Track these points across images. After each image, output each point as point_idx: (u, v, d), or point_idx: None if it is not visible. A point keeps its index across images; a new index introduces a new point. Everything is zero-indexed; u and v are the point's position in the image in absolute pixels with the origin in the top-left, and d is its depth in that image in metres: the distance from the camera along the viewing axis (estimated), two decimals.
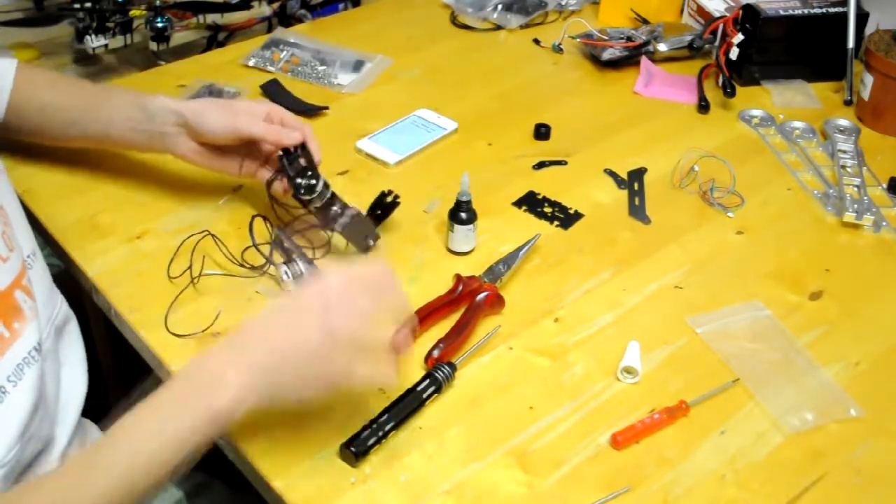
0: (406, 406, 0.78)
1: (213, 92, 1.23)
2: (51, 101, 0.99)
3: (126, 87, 1.01)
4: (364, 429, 0.75)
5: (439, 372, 0.80)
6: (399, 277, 0.76)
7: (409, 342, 0.74)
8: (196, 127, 0.94)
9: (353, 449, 0.74)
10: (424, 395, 0.79)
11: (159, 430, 0.66)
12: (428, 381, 0.80)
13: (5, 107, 0.97)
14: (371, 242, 0.95)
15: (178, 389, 0.68)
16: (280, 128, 0.94)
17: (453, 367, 0.82)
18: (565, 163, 1.14)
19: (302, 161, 0.93)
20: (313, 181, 0.92)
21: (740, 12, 1.31)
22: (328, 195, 0.93)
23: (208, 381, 0.68)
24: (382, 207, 0.97)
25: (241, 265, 0.93)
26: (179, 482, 0.92)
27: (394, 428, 0.76)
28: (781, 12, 1.29)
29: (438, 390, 0.80)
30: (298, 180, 0.92)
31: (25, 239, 0.84)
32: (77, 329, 0.90)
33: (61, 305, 0.88)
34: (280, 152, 0.93)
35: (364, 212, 0.96)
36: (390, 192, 0.96)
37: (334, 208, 0.93)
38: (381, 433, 0.75)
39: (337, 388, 0.71)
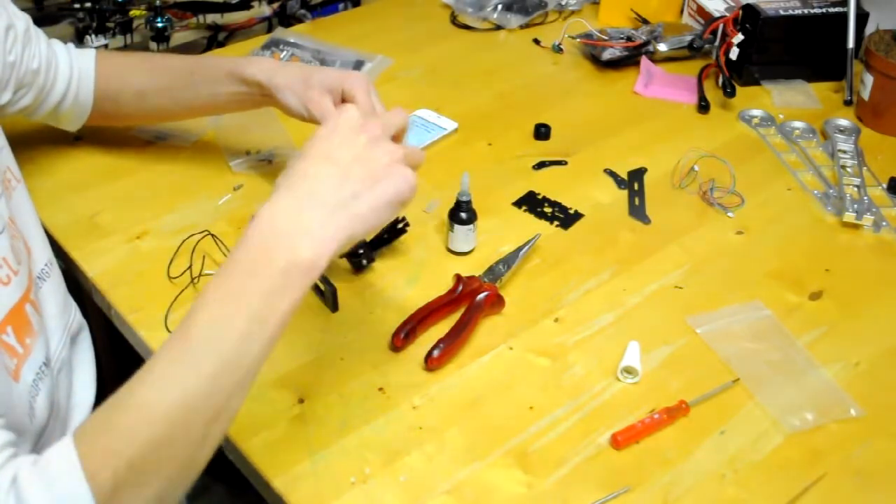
0: None
1: None
2: (147, 85, 1.02)
3: (215, 56, 1.01)
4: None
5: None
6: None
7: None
8: (279, 105, 0.96)
9: None
10: None
11: (246, 304, 0.61)
12: None
13: (93, 94, 1.00)
14: (365, 262, 0.94)
15: (253, 253, 0.63)
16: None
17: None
18: (565, 163, 1.14)
19: None
20: None
21: (740, 12, 1.31)
22: None
23: (282, 237, 0.63)
24: (391, 233, 0.96)
25: None
26: None
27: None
28: (781, 12, 1.29)
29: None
30: None
31: (41, 250, 0.83)
32: (89, 336, 0.90)
33: (76, 314, 0.88)
34: None
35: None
36: (403, 220, 0.95)
37: None
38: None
39: (386, 182, 0.67)
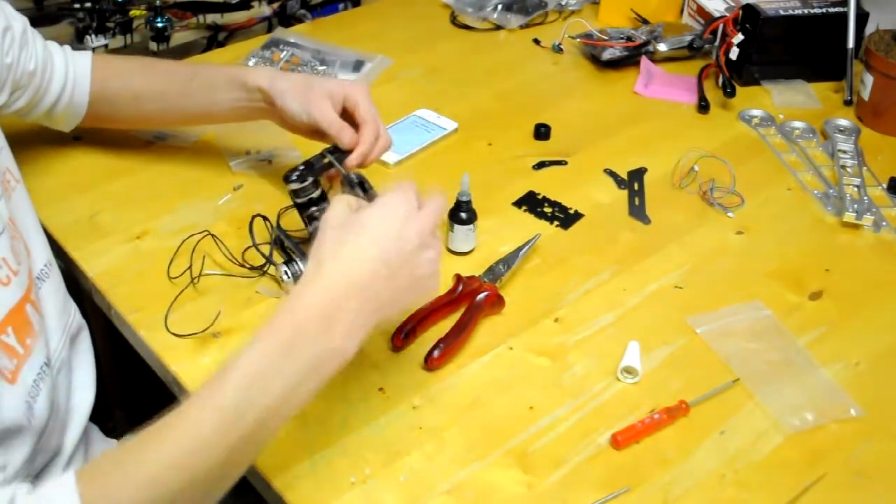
0: None
1: None
2: (143, 89, 1.02)
3: (215, 63, 1.01)
4: None
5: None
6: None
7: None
8: (280, 110, 0.95)
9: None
10: None
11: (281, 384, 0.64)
12: None
13: (88, 96, 1.00)
14: None
15: (289, 332, 0.64)
16: (341, 126, 0.92)
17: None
18: (565, 163, 1.14)
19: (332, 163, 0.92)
20: (305, 174, 0.90)
21: (740, 12, 1.31)
22: (315, 194, 0.92)
23: (321, 321, 0.65)
24: None
25: (241, 265, 0.93)
26: None
27: None
28: (781, 12, 1.29)
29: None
30: (294, 172, 0.90)
31: (41, 250, 0.83)
32: (88, 337, 0.90)
33: (75, 314, 0.88)
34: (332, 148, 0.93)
35: None
36: None
37: (314, 209, 0.92)
38: None
39: (421, 285, 0.71)
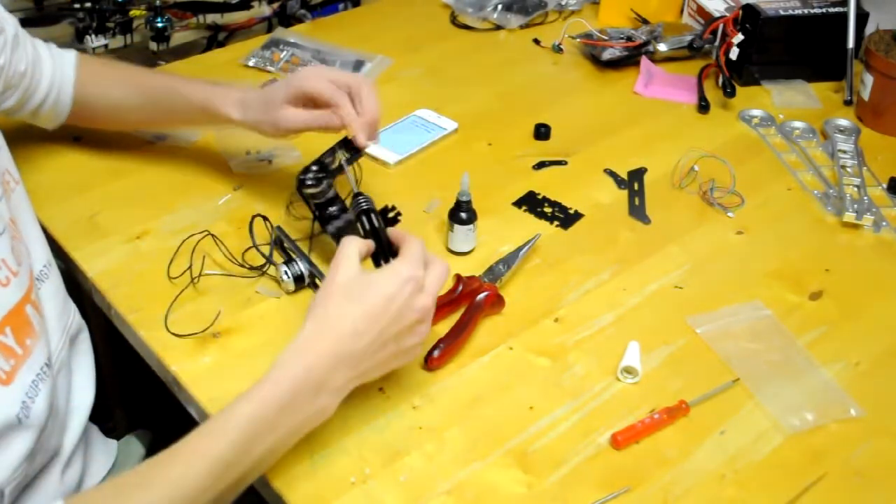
0: None
1: None
2: (123, 101, 1.04)
3: (194, 82, 1.01)
4: None
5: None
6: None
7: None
8: (258, 132, 0.97)
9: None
10: None
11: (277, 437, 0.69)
12: None
13: (71, 98, 1.02)
14: None
15: (287, 396, 0.69)
16: (319, 123, 0.93)
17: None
18: (565, 163, 1.14)
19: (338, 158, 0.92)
20: (321, 177, 0.91)
21: (740, 12, 1.31)
22: (330, 194, 0.93)
23: (313, 387, 0.70)
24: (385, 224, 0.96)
25: (241, 265, 0.93)
26: None
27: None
28: (781, 12, 1.29)
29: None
30: (308, 175, 0.91)
31: (39, 250, 0.83)
32: (88, 338, 0.90)
33: (74, 315, 0.87)
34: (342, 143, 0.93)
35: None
36: (393, 209, 0.95)
37: (332, 209, 0.93)
38: None
39: (409, 353, 0.77)
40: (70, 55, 1.02)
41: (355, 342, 0.71)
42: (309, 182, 0.90)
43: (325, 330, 0.71)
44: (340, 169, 0.92)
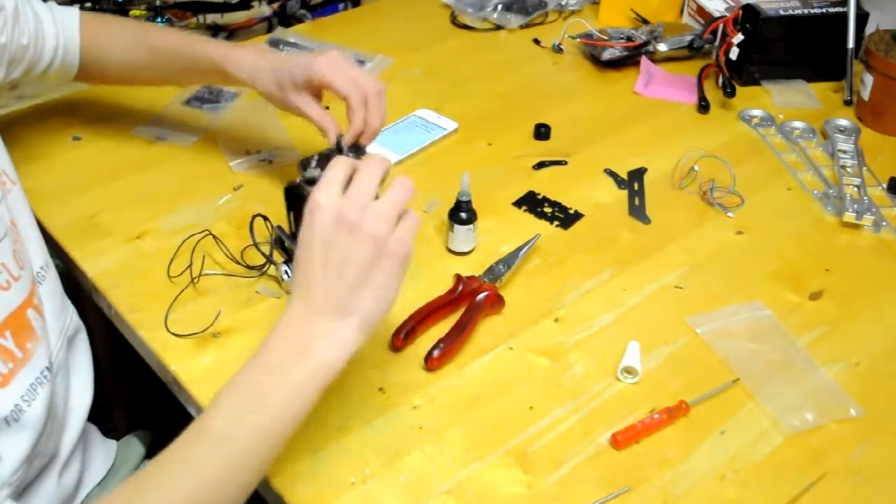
0: None
1: (211, 91, 1.23)
2: (130, 60, 1.04)
3: (204, 42, 1.01)
4: None
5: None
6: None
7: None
8: (261, 94, 0.98)
9: None
10: None
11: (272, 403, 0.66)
12: None
13: (78, 58, 1.02)
14: None
15: (275, 359, 0.66)
16: (327, 125, 0.94)
17: None
18: (565, 163, 1.14)
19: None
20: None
21: (740, 12, 1.31)
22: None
23: (299, 346, 0.66)
24: None
25: (241, 265, 0.93)
26: None
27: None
28: (781, 12, 1.29)
29: None
30: (306, 175, 0.91)
31: (38, 252, 0.83)
32: (86, 339, 0.89)
33: (72, 316, 0.87)
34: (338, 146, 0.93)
35: None
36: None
37: None
38: None
39: (389, 271, 0.67)
40: (73, 15, 1.02)
41: (309, 287, 0.66)
42: (314, 165, 0.90)
43: (288, 299, 0.69)
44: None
